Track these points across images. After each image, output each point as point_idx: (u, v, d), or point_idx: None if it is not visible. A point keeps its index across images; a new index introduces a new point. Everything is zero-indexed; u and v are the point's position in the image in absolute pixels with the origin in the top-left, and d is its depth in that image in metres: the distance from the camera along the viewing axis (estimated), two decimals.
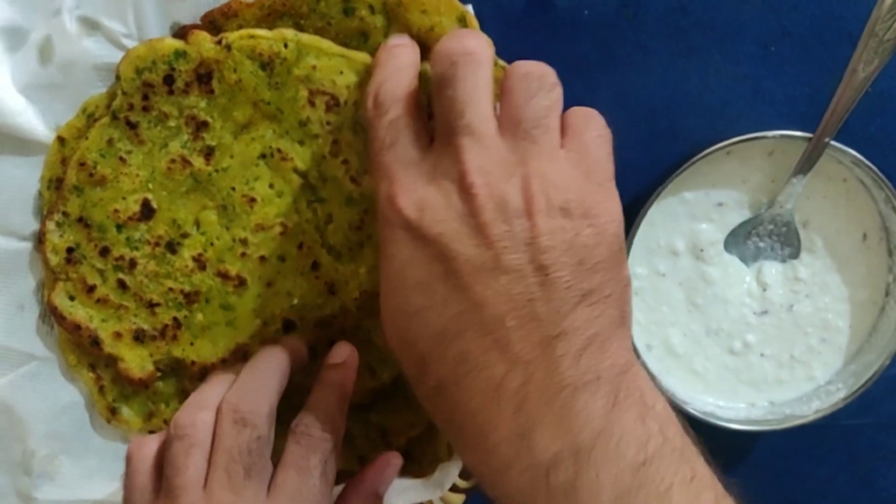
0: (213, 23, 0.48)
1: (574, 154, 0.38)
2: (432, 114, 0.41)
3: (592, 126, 0.40)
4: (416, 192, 0.37)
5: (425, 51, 0.47)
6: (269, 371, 0.45)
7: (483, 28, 0.48)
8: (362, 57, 0.47)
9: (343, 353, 0.47)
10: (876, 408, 0.56)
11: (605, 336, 0.35)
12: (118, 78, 0.48)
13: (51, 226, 0.49)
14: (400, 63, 0.42)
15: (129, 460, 0.44)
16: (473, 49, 0.39)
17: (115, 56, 0.49)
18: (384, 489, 0.49)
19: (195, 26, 0.48)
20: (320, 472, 0.42)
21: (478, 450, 0.36)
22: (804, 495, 0.58)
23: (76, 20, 0.48)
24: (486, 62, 0.39)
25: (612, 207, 0.37)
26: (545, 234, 0.35)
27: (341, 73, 0.47)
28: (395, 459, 0.49)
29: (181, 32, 0.49)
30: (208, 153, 0.49)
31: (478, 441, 0.36)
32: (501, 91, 0.40)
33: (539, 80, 0.39)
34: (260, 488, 0.41)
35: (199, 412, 0.43)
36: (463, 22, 0.47)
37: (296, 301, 0.50)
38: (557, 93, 0.39)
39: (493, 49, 0.40)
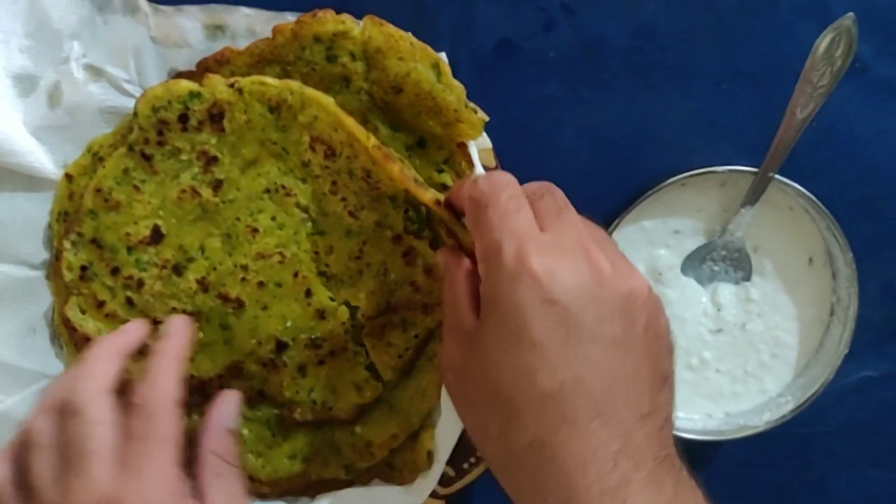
0: (208, 69, 0.52)
1: (595, 240, 0.43)
2: None
3: (596, 229, 0.45)
4: (546, 258, 0.39)
5: (402, 97, 0.51)
6: (94, 358, 0.47)
7: (455, 70, 0.51)
8: (351, 123, 0.51)
9: (173, 326, 0.50)
10: (826, 417, 0.60)
11: (670, 416, 0.40)
12: (135, 114, 0.52)
13: (66, 244, 0.53)
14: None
15: None
16: (498, 184, 0.44)
17: (119, 100, 0.53)
18: (231, 422, 0.51)
19: (191, 73, 0.53)
20: (155, 438, 0.44)
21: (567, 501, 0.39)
22: (762, 500, 0.61)
23: (82, 67, 0.52)
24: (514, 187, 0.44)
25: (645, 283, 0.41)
26: (645, 316, 0.39)
27: (336, 130, 0.51)
28: (232, 392, 0.52)
29: (178, 78, 0.53)
30: (216, 185, 0.53)
31: (568, 495, 0.39)
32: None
33: (549, 186, 0.45)
34: (106, 462, 0.43)
35: (34, 416, 0.45)
36: (436, 68, 0.51)
37: (289, 324, 0.54)
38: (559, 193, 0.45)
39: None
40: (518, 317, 0.39)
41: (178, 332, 0.50)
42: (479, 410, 0.42)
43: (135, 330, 0.50)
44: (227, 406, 0.51)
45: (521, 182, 0.44)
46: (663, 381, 0.39)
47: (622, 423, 0.38)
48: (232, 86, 0.51)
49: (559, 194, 0.44)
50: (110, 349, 0.48)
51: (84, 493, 0.43)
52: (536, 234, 0.41)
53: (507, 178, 0.44)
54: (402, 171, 0.50)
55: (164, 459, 0.44)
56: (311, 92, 0.51)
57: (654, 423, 0.38)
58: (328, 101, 0.51)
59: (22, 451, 0.45)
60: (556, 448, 0.38)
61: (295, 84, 0.51)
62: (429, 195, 0.49)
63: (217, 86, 0.51)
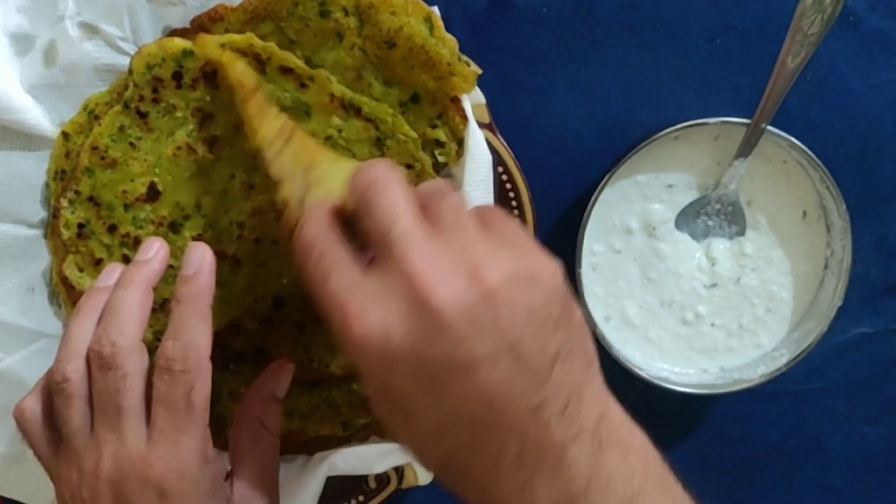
0: (201, 26, 0.53)
1: (496, 235, 0.39)
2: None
3: (496, 214, 0.41)
4: (370, 316, 0.36)
5: (395, 51, 0.52)
6: (126, 307, 0.45)
7: (448, 27, 0.52)
8: (339, 90, 0.52)
9: (193, 262, 0.46)
10: (822, 374, 0.60)
11: (579, 388, 0.37)
12: (131, 72, 0.52)
13: (64, 203, 0.53)
14: (316, 209, 0.42)
15: (19, 421, 0.46)
16: (378, 175, 0.40)
17: (114, 58, 0.53)
18: (281, 392, 0.51)
19: (185, 30, 0.53)
20: (185, 404, 0.43)
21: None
22: (758, 456, 0.61)
23: (77, 26, 0.52)
24: (394, 181, 0.39)
25: (549, 263, 0.38)
26: (504, 312, 0.36)
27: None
28: (288, 364, 0.51)
29: (172, 35, 0.53)
30: (212, 142, 0.53)
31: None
32: (419, 201, 0.40)
33: (447, 187, 0.40)
34: (138, 421, 0.43)
35: (67, 364, 0.44)
36: (429, 22, 0.52)
37: (285, 280, 0.54)
38: (460, 194, 0.42)
39: (400, 170, 0.41)
40: (374, 382, 0.37)
41: (202, 271, 0.46)
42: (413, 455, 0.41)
43: (157, 254, 0.48)
44: (282, 376, 0.50)
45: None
46: (551, 361, 0.36)
47: (513, 425, 0.36)
48: (223, 46, 0.51)
49: (448, 200, 0.39)
50: (139, 287, 0.46)
51: (116, 449, 0.43)
52: (354, 289, 0.37)
53: (316, 230, 0.40)
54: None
55: (197, 426, 0.43)
56: (285, 55, 0.51)
57: (551, 408, 0.36)
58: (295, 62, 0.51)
59: (54, 396, 0.45)
60: (459, 469, 0.38)
61: (272, 47, 0.51)
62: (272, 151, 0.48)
63: (209, 45, 0.51)
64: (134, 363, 0.43)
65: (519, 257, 0.38)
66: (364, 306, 0.36)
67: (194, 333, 0.44)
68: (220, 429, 0.57)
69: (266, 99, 0.50)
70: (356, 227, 0.40)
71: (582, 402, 0.37)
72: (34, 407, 0.46)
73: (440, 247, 0.37)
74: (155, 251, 0.48)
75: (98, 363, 0.43)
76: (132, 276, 0.47)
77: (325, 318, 0.38)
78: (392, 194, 0.39)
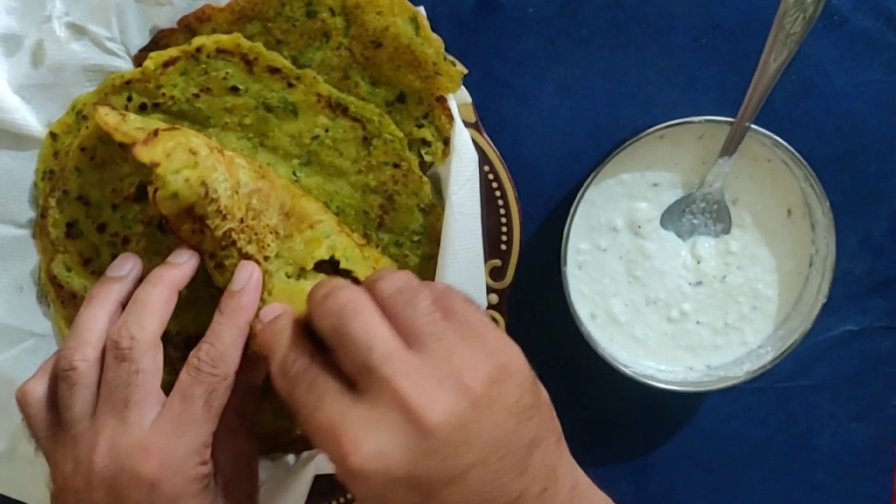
0: (189, 26, 0.53)
1: (461, 327, 0.39)
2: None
3: (456, 299, 0.41)
4: (366, 444, 0.36)
5: (381, 51, 0.52)
6: (152, 303, 0.46)
7: (434, 27, 0.52)
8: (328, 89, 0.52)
9: (241, 278, 0.47)
10: (809, 371, 0.60)
11: (555, 468, 0.40)
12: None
13: (52, 202, 0.54)
14: (288, 333, 0.43)
15: (21, 403, 0.47)
16: (346, 302, 0.40)
17: (101, 58, 0.53)
18: (258, 380, 0.50)
19: (172, 30, 0.53)
20: (203, 402, 0.44)
21: None
22: (745, 454, 0.62)
23: (65, 26, 0.53)
24: (364, 303, 0.40)
25: (513, 350, 0.40)
26: (488, 415, 0.37)
27: None
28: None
29: (160, 36, 0.53)
30: None
31: None
32: (386, 313, 0.40)
33: (409, 287, 0.40)
34: (143, 414, 0.43)
35: (76, 352, 0.45)
36: (415, 22, 0.52)
37: None
38: (422, 287, 0.41)
39: (358, 289, 0.41)
40: None
41: (247, 289, 0.47)
42: None
43: (188, 262, 0.48)
44: (258, 365, 0.50)
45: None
46: (527, 450, 0.38)
47: None
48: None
49: (417, 308, 0.39)
50: (167, 287, 0.47)
51: (115, 436, 0.43)
52: (348, 416, 0.37)
53: (299, 363, 0.41)
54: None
55: (205, 428, 0.44)
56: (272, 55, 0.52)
57: (530, 495, 0.38)
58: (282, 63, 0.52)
59: (59, 381, 0.45)
60: None
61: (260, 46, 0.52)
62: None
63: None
64: (149, 360, 0.44)
65: (490, 352, 0.39)
66: (358, 435, 0.37)
67: (229, 345, 0.45)
68: None
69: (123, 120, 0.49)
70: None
71: (557, 480, 0.40)
72: (37, 391, 0.46)
73: (423, 362, 0.38)
74: (186, 259, 0.48)
75: (114, 353, 0.44)
76: (162, 276, 0.48)
77: (317, 444, 0.39)
78: (364, 319, 0.39)
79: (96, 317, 0.47)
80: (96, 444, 0.43)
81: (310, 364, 0.40)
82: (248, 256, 0.47)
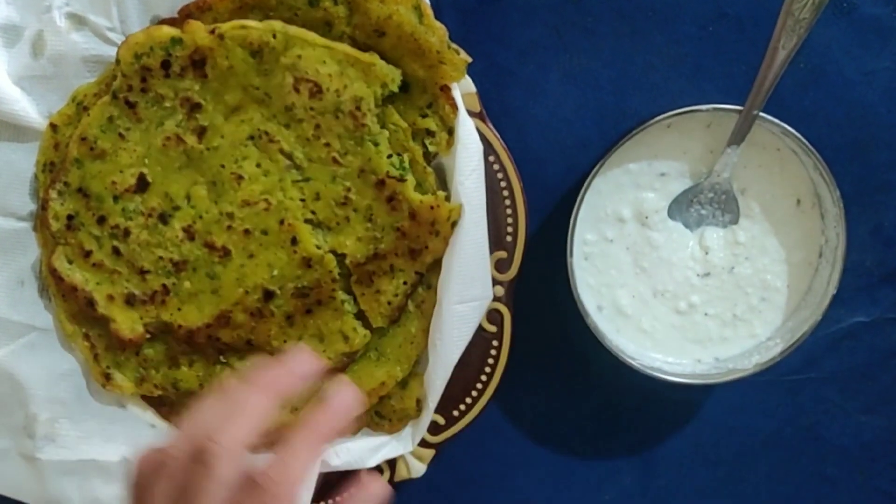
0: (189, 16, 0.52)
1: None
2: None
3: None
4: None
5: (384, 40, 0.52)
6: (249, 411, 0.43)
7: (438, 16, 0.51)
8: (343, 48, 0.51)
9: (337, 400, 0.45)
10: (818, 363, 0.59)
11: None
12: (118, 62, 0.52)
13: (53, 194, 0.53)
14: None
15: (129, 469, 0.45)
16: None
17: (102, 49, 0.53)
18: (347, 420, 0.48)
19: (173, 19, 0.53)
20: None
21: None
22: (753, 448, 0.61)
23: (65, 16, 0.52)
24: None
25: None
26: None
27: (324, 62, 0.51)
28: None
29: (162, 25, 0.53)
30: (201, 132, 0.53)
31: None
32: None
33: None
34: None
35: (179, 440, 0.43)
36: (419, 10, 0.51)
37: (275, 272, 0.54)
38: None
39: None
40: None
41: (339, 410, 0.45)
42: None
43: (305, 366, 0.46)
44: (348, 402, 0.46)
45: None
46: None
47: None
48: (213, 31, 0.51)
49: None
50: (272, 397, 0.44)
51: None
52: None
53: None
54: None
55: None
56: (295, 30, 0.51)
57: None
58: (312, 35, 0.51)
59: (155, 466, 0.43)
60: None
61: (278, 24, 0.51)
62: None
63: (197, 32, 0.51)
64: (227, 470, 0.41)
65: None
66: None
67: (299, 467, 0.43)
68: None
69: None
70: None
71: None
72: (145, 465, 0.44)
73: None
74: (305, 366, 0.46)
75: (195, 453, 0.42)
76: (271, 383, 0.44)
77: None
78: None
79: (206, 420, 0.43)
80: None
81: None
82: None
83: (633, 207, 0.55)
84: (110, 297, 0.54)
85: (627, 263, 0.55)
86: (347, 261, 0.54)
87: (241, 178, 0.53)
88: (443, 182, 0.55)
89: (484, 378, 0.57)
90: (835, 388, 0.60)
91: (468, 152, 0.53)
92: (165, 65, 0.51)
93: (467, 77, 0.53)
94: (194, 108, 0.52)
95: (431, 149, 0.54)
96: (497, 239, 0.55)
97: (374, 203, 0.53)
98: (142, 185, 0.53)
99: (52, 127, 0.54)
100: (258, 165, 0.53)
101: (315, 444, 0.44)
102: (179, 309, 0.55)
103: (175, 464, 0.42)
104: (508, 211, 0.55)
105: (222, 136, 0.53)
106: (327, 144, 0.52)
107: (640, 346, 0.56)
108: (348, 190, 0.53)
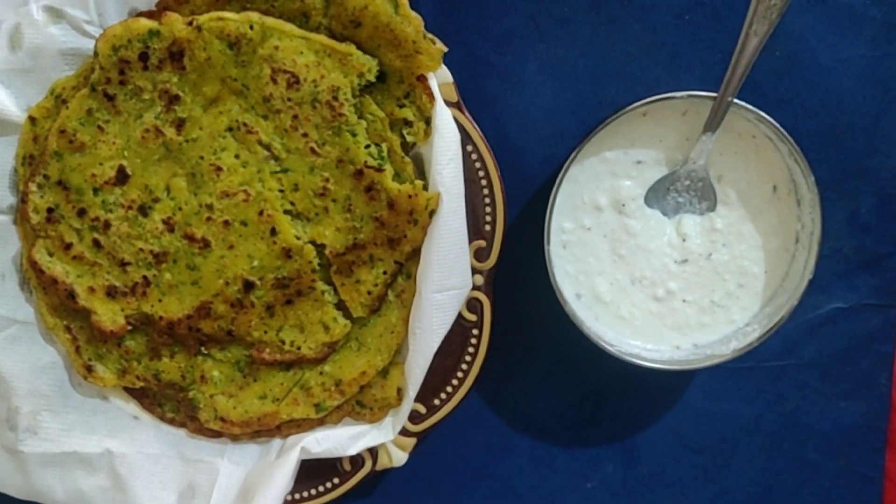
0: (167, 8, 0.52)
1: None
2: None
3: None
4: None
5: (361, 30, 0.52)
6: None
7: (414, 6, 0.51)
8: (320, 38, 0.52)
9: None
10: (798, 349, 0.60)
11: None
12: (96, 54, 0.52)
13: (32, 187, 0.53)
14: None
15: None
16: None
17: (80, 42, 0.53)
18: None
19: (150, 12, 0.53)
20: None
21: None
22: (734, 434, 0.61)
23: (42, 9, 0.52)
24: None
25: None
26: None
27: (301, 53, 0.51)
28: None
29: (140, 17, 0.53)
30: (179, 124, 0.53)
31: None
32: None
33: None
34: None
35: None
36: (394, 1, 0.51)
37: (255, 263, 0.54)
38: None
39: None
40: None
41: None
42: None
43: None
44: None
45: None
46: None
47: None
48: (190, 23, 0.51)
49: None
50: None
51: None
52: None
53: None
54: None
55: None
56: (272, 21, 0.51)
57: None
58: (289, 26, 0.51)
59: None
60: None
61: (255, 15, 0.51)
62: None
63: (175, 24, 0.51)
64: None
65: None
66: None
67: None
68: (192, 412, 0.57)
69: None
70: None
71: None
72: None
73: None
74: None
75: None
76: None
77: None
78: None
79: None
80: None
81: None
82: None
83: (610, 195, 0.55)
84: (91, 290, 0.54)
85: (605, 251, 0.55)
86: (327, 251, 0.54)
87: (220, 169, 0.53)
88: (421, 171, 0.55)
89: (464, 367, 0.57)
90: (814, 373, 0.60)
91: (445, 142, 0.53)
92: (143, 57, 0.52)
93: (444, 67, 0.53)
94: (173, 100, 0.52)
95: (409, 138, 0.54)
96: (476, 228, 0.55)
97: (352, 193, 0.53)
98: (121, 177, 0.54)
99: (31, 120, 0.54)
100: (237, 157, 0.53)
101: None
102: (160, 300, 0.55)
103: None
104: (487, 200, 0.55)
105: (201, 127, 0.53)
106: (305, 135, 0.52)
107: (619, 332, 0.56)
108: (326, 180, 0.53)
